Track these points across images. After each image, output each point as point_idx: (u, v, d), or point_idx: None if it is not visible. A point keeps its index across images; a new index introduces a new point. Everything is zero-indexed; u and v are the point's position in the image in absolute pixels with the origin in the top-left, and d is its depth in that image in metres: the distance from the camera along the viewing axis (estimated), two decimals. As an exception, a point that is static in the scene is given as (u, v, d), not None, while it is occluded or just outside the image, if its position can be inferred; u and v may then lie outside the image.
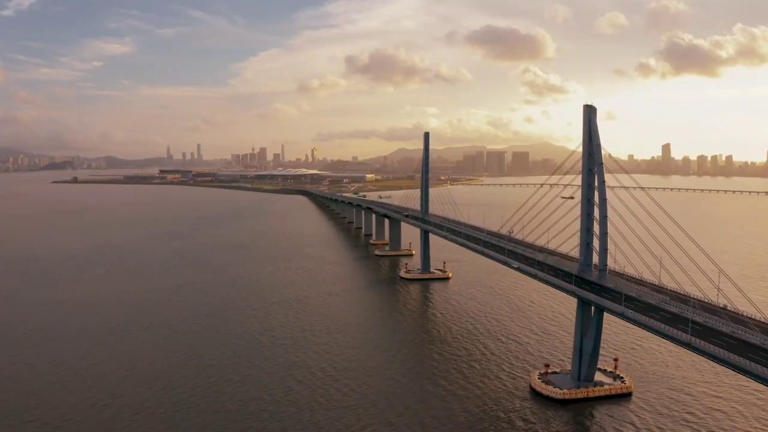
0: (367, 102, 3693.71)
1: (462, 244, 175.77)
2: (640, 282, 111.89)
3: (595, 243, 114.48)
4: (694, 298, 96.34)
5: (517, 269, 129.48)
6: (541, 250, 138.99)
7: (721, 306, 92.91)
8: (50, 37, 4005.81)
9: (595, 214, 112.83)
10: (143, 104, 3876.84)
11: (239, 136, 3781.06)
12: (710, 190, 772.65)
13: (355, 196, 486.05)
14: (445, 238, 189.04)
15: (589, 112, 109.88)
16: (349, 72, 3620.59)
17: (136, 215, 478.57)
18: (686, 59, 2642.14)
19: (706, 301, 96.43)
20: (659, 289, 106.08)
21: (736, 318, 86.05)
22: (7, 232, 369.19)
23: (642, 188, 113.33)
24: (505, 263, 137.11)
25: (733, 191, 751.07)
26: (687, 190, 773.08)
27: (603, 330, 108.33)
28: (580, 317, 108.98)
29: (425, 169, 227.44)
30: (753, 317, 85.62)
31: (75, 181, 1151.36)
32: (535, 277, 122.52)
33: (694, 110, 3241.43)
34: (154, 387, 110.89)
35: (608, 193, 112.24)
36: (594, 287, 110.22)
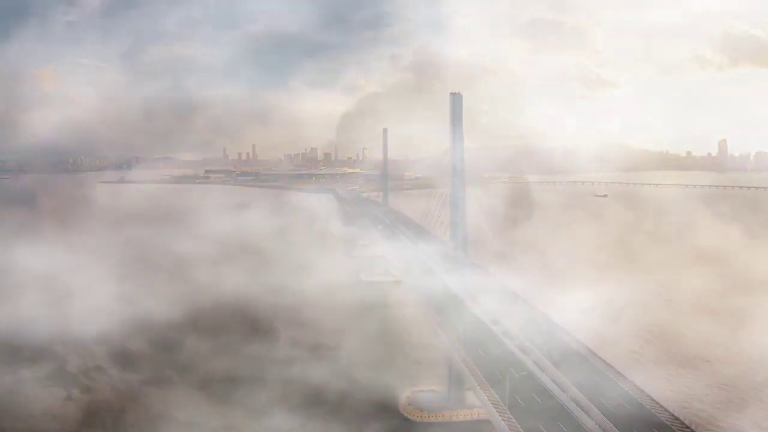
0: (419, 99, 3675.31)
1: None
2: None
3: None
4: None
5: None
6: None
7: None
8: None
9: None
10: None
11: (296, 135, 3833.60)
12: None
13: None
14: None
15: (454, 100, 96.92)
16: (395, 70, 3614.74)
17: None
18: (743, 50, 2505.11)
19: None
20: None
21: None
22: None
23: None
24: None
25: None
26: (733, 187, 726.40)
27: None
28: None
29: (385, 169, 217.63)
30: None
31: (122, 181, 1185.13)
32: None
33: (753, 103, 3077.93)
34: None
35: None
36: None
